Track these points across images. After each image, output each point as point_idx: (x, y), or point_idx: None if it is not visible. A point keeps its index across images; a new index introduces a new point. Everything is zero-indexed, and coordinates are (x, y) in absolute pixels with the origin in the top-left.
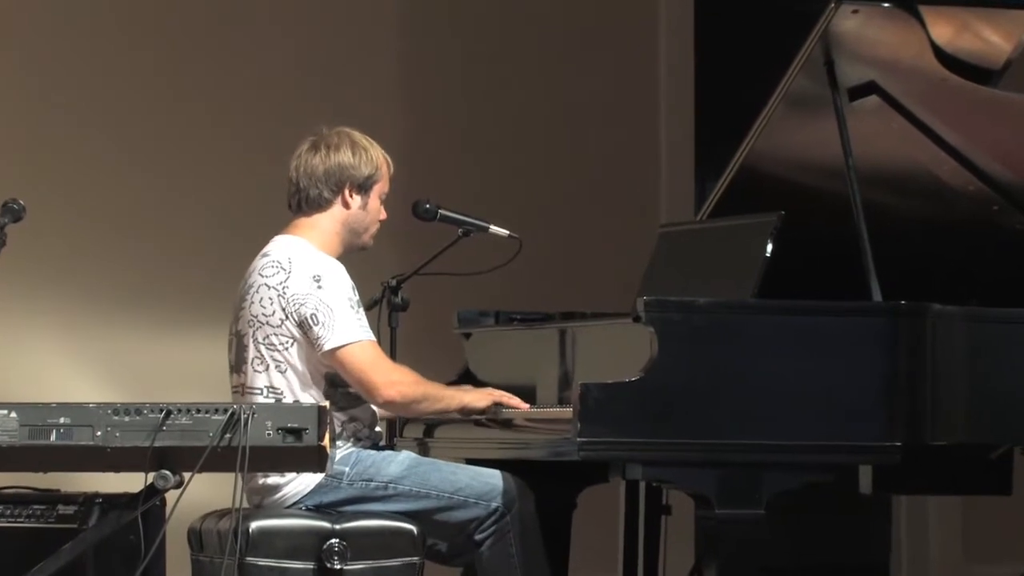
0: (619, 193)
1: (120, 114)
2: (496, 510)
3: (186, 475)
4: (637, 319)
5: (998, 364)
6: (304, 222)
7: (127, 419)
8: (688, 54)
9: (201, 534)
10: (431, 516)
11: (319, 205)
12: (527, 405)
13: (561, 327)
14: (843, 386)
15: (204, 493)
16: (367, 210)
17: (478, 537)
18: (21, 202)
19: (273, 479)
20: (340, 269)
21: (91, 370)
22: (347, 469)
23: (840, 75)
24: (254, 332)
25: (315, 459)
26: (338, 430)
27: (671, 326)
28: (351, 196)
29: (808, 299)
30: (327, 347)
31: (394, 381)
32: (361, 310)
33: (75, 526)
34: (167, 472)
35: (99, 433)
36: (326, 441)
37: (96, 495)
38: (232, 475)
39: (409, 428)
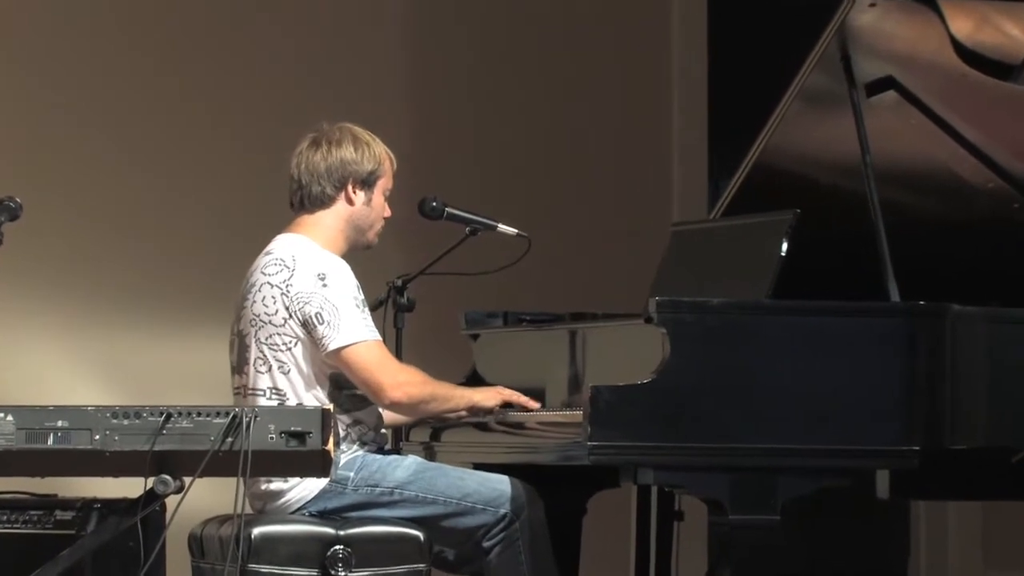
0: (630, 191)
1: (120, 113)
2: (504, 516)
3: (187, 480)
4: (649, 320)
5: (1019, 366)
6: (307, 220)
7: (126, 422)
8: (701, 48)
9: (202, 540)
10: (438, 522)
11: (322, 202)
12: (537, 404)
13: (571, 328)
14: (860, 388)
15: (205, 498)
16: (371, 206)
17: (486, 544)
18: (18, 200)
19: (276, 484)
20: (345, 267)
21: (89, 372)
22: (352, 474)
23: (857, 70)
24: (256, 332)
25: (319, 463)
26: (342, 433)
27: (684, 327)
28: (354, 192)
29: (824, 299)
30: (332, 347)
31: (401, 382)
32: (367, 309)
33: (73, 532)
34: (167, 477)
35: (97, 437)
36: (330, 445)
37: (94, 500)
38: (234, 480)
39: (415, 432)
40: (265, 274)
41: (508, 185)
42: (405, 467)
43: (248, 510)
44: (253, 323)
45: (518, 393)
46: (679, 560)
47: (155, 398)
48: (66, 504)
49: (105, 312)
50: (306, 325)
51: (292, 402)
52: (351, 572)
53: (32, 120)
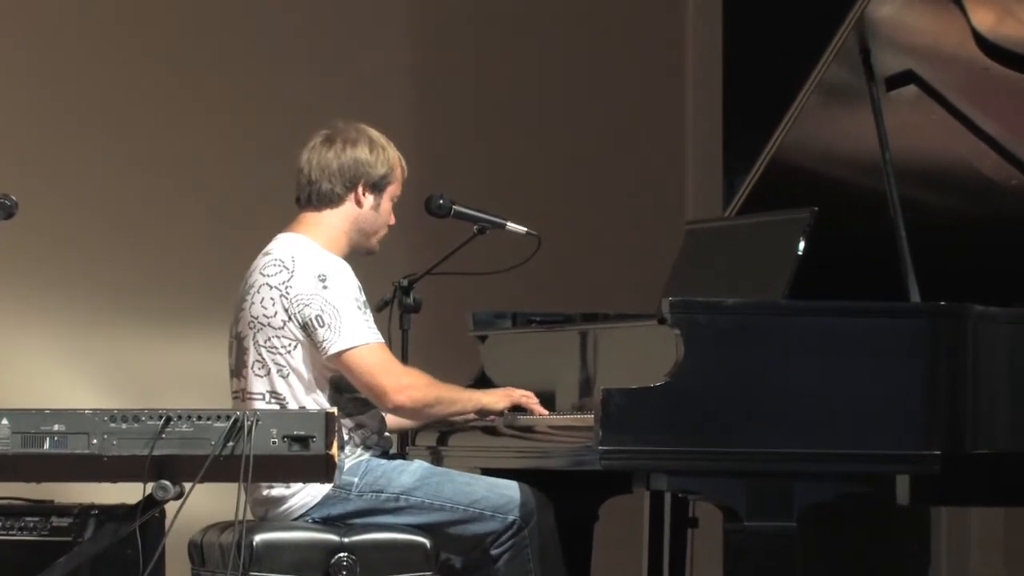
0: (643, 188)
1: (119, 110)
2: (513, 524)
3: (187, 485)
4: (662, 321)
5: None
6: (311, 218)
7: (124, 426)
8: (716, 41)
9: (202, 548)
10: (445, 529)
11: (330, 201)
12: (545, 412)
13: (582, 329)
14: (879, 392)
15: (205, 504)
16: (378, 212)
17: (494, 552)
18: (13, 198)
19: (278, 490)
20: (346, 268)
21: (87, 374)
22: (356, 479)
23: (876, 64)
24: (255, 334)
25: (322, 468)
26: (345, 438)
27: (698, 328)
28: (364, 195)
29: (842, 300)
30: (333, 350)
31: (405, 385)
32: (368, 311)
33: (70, 539)
34: (167, 482)
35: (95, 441)
36: (334, 449)
37: (92, 506)
38: (235, 485)
39: (422, 436)
40: (264, 275)
41: (517, 182)
42: (411, 472)
43: (249, 516)
44: (251, 325)
45: (528, 393)
46: (693, 568)
47: (154, 401)
48: (63, 510)
49: (103, 313)
50: (306, 328)
51: (292, 407)
52: None
53: (27, 115)
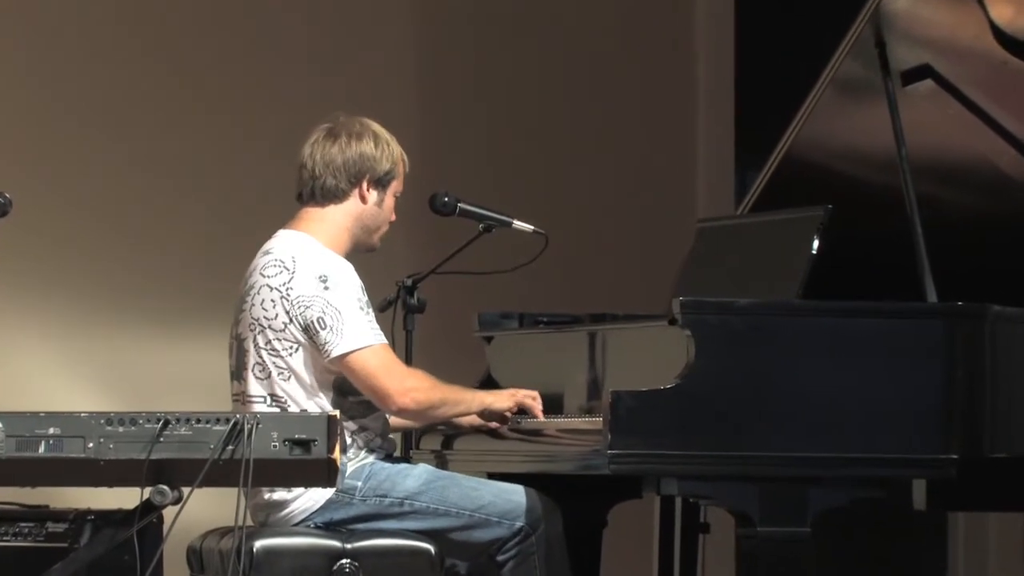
0: (653, 185)
1: (119, 110)
2: (520, 530)
3: (185, 490)
4: (673, 321)
5: None
6: (313, 214)
7: (121, 429)
8: (728, 34)
9: (201, 554)
10: (450, 535)
11: (334, 196)
12: (541, 415)
13: (590, 330)
14: (895, 394)
15: (204, 510)
16: (382, 208)
17: (500, 559)
18: (7, 195)
19: (279, 494)
20: (348, 268)
21: (83, 376)
22: (359, 484)
23: (892, 58)
24: (255, 336)
25: (324, 473)
26: (348, 441)
27: (709, 329)
28: (368, 190)
29: (857, 300)
30: (335, 353)
31: (408, 388)
32: (371, 311)
33: (66, 545)
34: (165, 487)
35: (91, 445)
36: (336, 453)
37: (88, 512)
38: (235, 490)
39: (426, 439)
40: (264, 275)
41: (524, 179)
42: (415, 476)
43: (250, 522)
44: (252, 327)
45: (534, 393)
46: (704, 575)
47: (152, 404)
48: (58, 515)
49: (100, 313)
50: (307, 330)
51: (293, 410)
52: None
53: (23, 112)
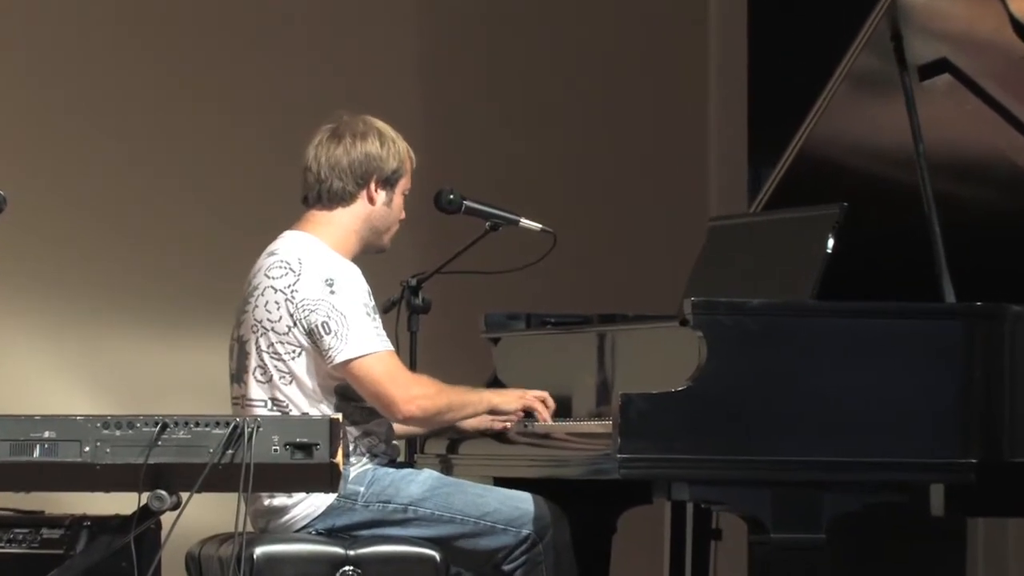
0: (663, 182)
1: (116, 104)
2: (527, 538)
3: (184, 495)
4: (684, 322)
5: None
6: (320, 216)
7: (118, 433)
8: (741, 27)
9: (200, 561)
10: (455, 543)
11: (341, 199)
12: (548, 418)
13: (599, 331)
14: (912, 397)
15: (203, 515)
16: (391, 207)
17: (507, 567)
18: (2, 193)
19: (280, 500)
20: (355, 272)
21: (79, 378)
22: (362, 489)
23: (909, 52)
24: (257, 339)
25: (327, 478)
26: (351, 445)
27: (721, 330)
28: (376, 191)
29: (873, 300)
30: (339, 359)
31: (414, 395)
32: (378, 317)
33: (61, 552)
34: (163, 492)
35: (87, 449)
36: (339, 458)
37: (84, 517)
38: (234, 496)
39: (431, 444)
40: (269, 277)
41: (531, 176)
42: (420, 482)
43: (250, 528)
44: (254, 329)
45: (543, 394)
46: None
47: (150, 407)
48: (54, 521)
49: (97, 314)
50: (311, 335)
51: (295, 414)
52: None
53: (18, 109)
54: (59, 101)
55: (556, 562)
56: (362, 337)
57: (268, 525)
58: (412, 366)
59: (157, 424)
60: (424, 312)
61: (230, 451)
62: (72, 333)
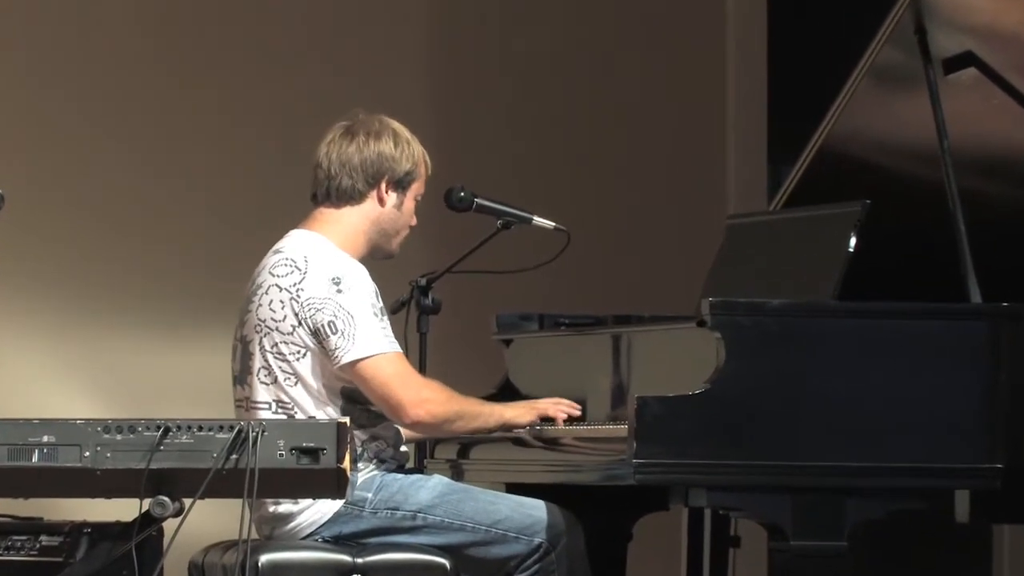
0: (681, 180)
1: (116, 104)
2: (540, 546)
3: (187, 501)
4: (701, 323)
5: None
6: (328, 215)
7: (119, 437)
8: (760, 21)
9: (204, 569)
10: (465, 551)
11: (350, 197)
12: (577, 409)
13: (614, 332)
14: (936, 400)
15: (207, 522)
16: (401, 211)
17: None
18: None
19: (285, 506)
20: (362, 271)
21: (79, 381)
22: (370, 495)
23: (933, 45)
24: (261, 339)
25: (333, 484)
26: (358, 450)
27: (740, 331)
28: (387, 192)
29: (895, 301)
30: (346, 359)
31: (424, 399)
32: (385, 317)
33: (60, 559)
34: (165, 498)
35: (88, 453)
36: (346, 463)
37: (84, 524)
38: (238, 502)
39: (441, 449)
40: (274, 275)
41: (544, 173)
42: (429, 488)
43: (255, 535)
44: (258, 329)
45: (559, 400)
46: None
47: (151, 411)
48: (53, 528)
49: (97, 315)
50: (317, 335)
51: (300, 417)
52: None
53: (14, 105)
54: (59, 101)
55: (570, 571)
56: (370, 337)
57: (273, 532)
58: (421, 368)
59: (159, 428)
60: (434, 313)
61: (234, 456)
62: (71, 334)
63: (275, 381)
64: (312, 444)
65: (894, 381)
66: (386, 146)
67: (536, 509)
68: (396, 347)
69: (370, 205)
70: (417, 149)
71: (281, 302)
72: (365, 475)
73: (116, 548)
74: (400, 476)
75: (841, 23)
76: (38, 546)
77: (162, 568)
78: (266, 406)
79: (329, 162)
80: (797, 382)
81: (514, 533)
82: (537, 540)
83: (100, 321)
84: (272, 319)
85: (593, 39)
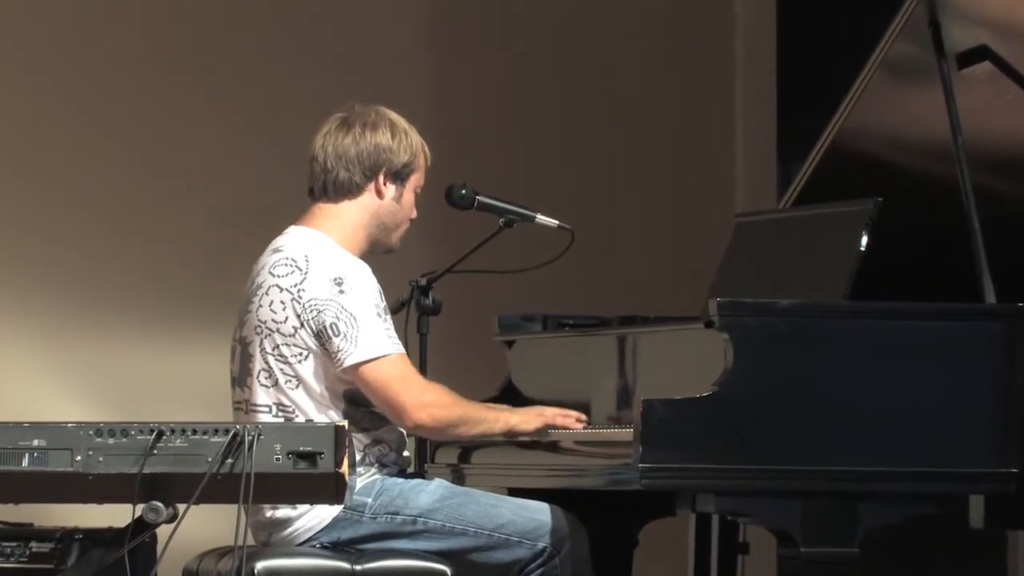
0: (687, 176)
1: (116, 100)
2: (543, 551)
3: (181, 507)
4: (709, 324)
5: None
6: (326, 210)
7: (112, 441)
8: (770, 14)
9: None
10: (467, 556)
11: (348, 191)
12: (584, 420)
13: (619, 333)
14: (949, 403)
15: (202, 528)
16: (401, 204)
17: None
18: None
19: (283, 512)
20: (365, 271)
21: (70, 383)
22: (369, 500)
23: (947, 39)
24: (261, 340)
25: (332, 488)
26: (359, 454)
27: (749, 332)
28: (385, 184)
29: (908, 301)
30: (349, 362)
31: (427, 402)
32: (389, 319)
33: (51, 567)
34: (158, 504)
35: (79, 458)
36: (344, 467)
37: (76, 530)
38: (234, 507)
39: (442, 453)
40: (274, 275)
41: (548, 170)
42: (430, 492)
43: (251, 541)
44: (258, 330)
45: (565, 411)
46: None
47: (145, 414)
48: (43, 535)
49: (89, 314)
50: (319, 336)
51: (300, 421)
52: None
53: (22, 112)
54: (59, 101)
55: None
56: (373, 339)
57: (270, 538)
58: (422, 370)
59: (153, 432)
60: (435, 313)
61: (230, 460)
62: (63, 335)
63: (276, 384)
64: (310, 448)
65: (906, 383)
66: (383, 137)
67: (539, 513)
68: (400, 348)
69: (368, 198)
70: (415, 139)
71: (282, 303)
72: (365, 479)
73: (108, 555)
74: (400, 480)
75: (852, 17)
76: (28, 553)
77: (156, 575)
78: (266, 409)
79: (325, 155)
80: (807, 384)
81: (517, 537)
82: (541, 544)
83: (92, 321)
84: (273, 320)
85: (599, 34)
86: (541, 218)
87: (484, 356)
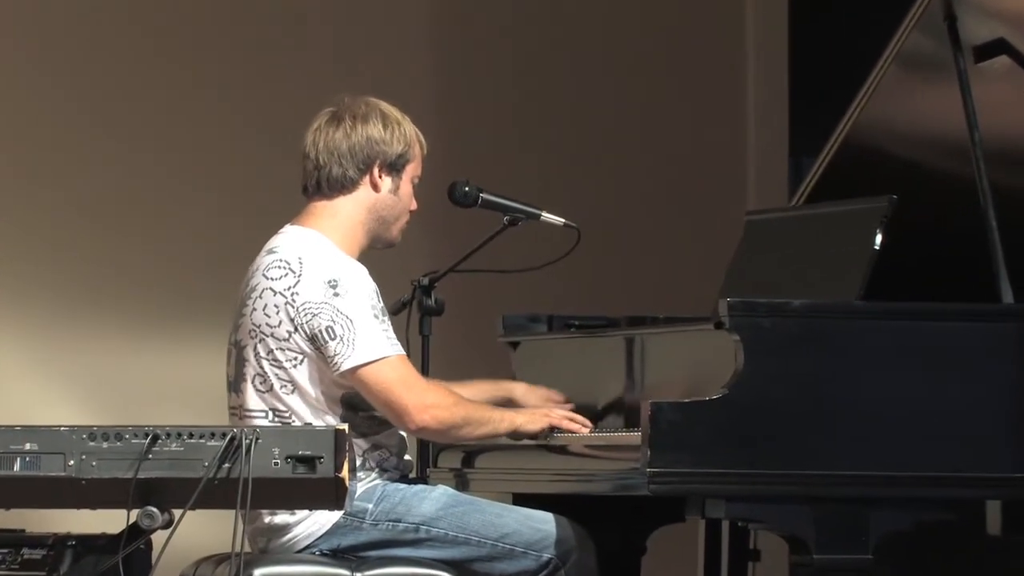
0: (697, 173)
1: (116, 100)
2: (548, 562)
3: (176, 512)
4: (719, 324)
5: None
6: (322, 208)
7: (106, 445)
8: (782, 7)
9: None
10: (470, 566)
11: (342, 187)
12: (589, 427)
13: (627, 334)
14: (967, 406)
15: (198, 534)
16: (398, 196)
17: None
18: None
19: (281, 517)
20: (360, 271)
21: (63, 386)
22: (371, 506)
23: (964, 32)
24: (256, 344)
25: (331, 494)
26: (360, 459)
27: (760, 333)
28: (380, 177)
29: (924, 301)
30: (346, 366)
31: (429, 404)
32: (387, 319)
33: (43, 573)
34: (153, 509)
35: (72, 462)
36: (345, 472)
37: (68, 536)
38: (231, 513)
39: (445, 457)
40: (267, 277)
41: (554, 167)
42: (433, 499)
43: (248, 548)
44: (252, 334)
45: (572, 414)
46: None
47: (140, 417)
48: (35, 541)
49: (82, 316)
50: (314, 340)
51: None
52: None
53: (22, 112)
54: (59, 101)
55: None
56: (370, 341)
57: (268, 545)
58: (424, 372)
59: (147, 435)
60: (437, 314)
61: (226, 465)
62: (56, 337)
63: (271, 389)
64: (309, 452)
65: (922, 385)
66: (375, 129)
67: (545, 523)
68: (399, 349)
69: (364, 192)
70: (408, 129)
71: (276, 307)
72: (366, 485)
73: (102, 561)
74: (403, 486)
75: (866, 9)
76: (20, 559)
77: None
78: (261, 414)
79: (317, 151)
80: (820, 386)
81: (522, 548)
82: (546, 556)
83: (86, 322)
84: (267, 324)
85: (608, 28)
86: (546, 216)
87: (488, 358)
